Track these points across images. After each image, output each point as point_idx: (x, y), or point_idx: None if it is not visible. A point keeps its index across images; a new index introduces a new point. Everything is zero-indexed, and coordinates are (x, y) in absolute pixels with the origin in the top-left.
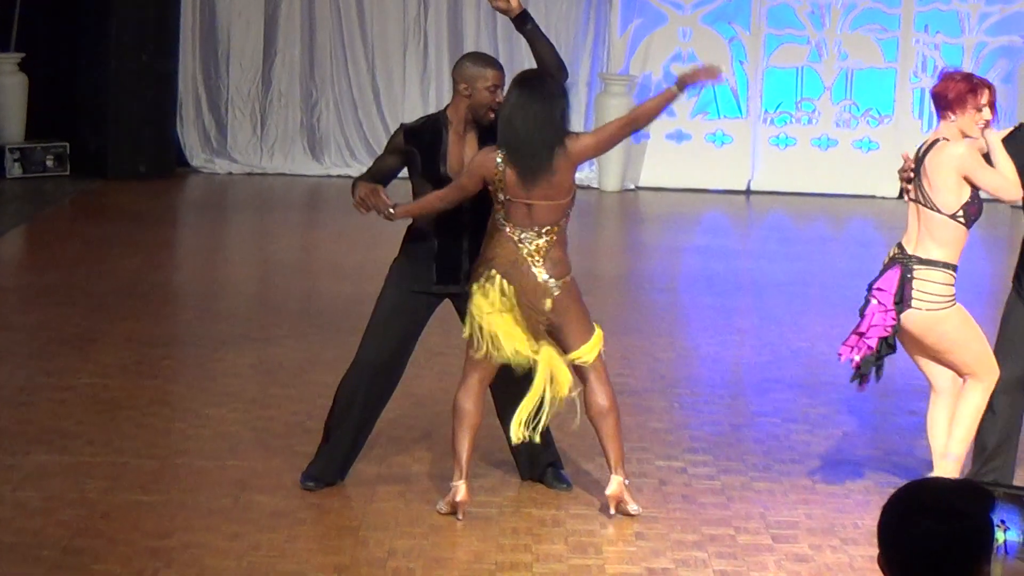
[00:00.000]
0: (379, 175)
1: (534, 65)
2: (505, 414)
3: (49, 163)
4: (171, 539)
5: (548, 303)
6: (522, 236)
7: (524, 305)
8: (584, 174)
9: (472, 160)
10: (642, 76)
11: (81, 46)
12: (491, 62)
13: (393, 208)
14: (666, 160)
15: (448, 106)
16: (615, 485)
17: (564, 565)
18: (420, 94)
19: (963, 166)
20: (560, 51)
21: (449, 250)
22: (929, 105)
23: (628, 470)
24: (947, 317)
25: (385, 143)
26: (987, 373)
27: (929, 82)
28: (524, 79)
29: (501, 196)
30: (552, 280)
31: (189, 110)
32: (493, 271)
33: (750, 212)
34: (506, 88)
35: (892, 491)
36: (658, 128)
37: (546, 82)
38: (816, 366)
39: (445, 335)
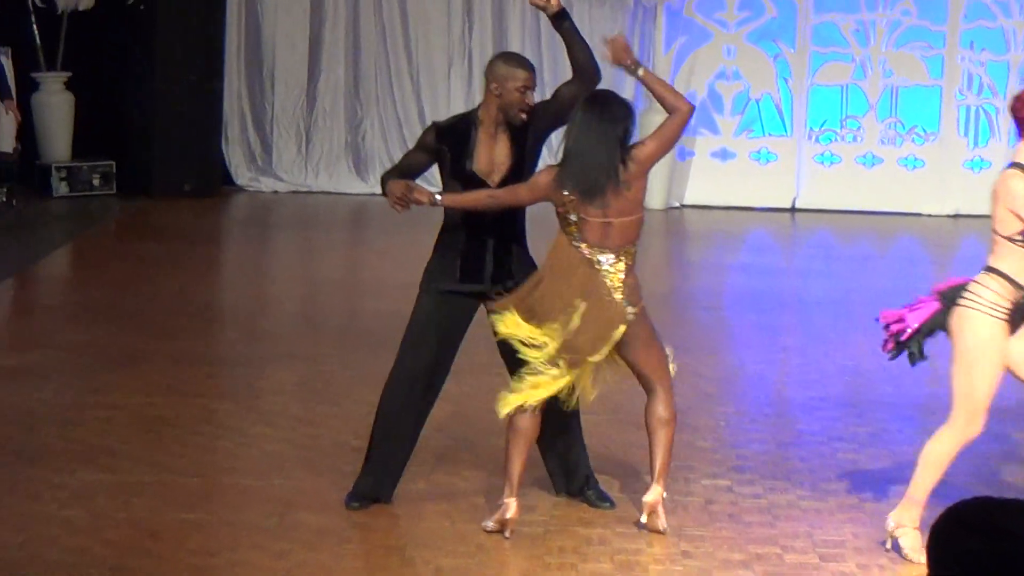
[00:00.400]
0: (407, 170)
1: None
2: (543, 434)
3: (95, 182)
4: (217, 557)
5: (620, 330)
6: (600, 258)
7: (588, 333)
8: None
9: (538, 177)
10: (687, 94)
11: (127, 65)
12: (522, 62)
13: (440, 196)
14: (711, 178)
15: (480, 105)
16: (654, 493)
17: None
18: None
19: (1015, 203)
20: (605, 69)
21: (474, 249)
22: (976, 122)
23: (674, 488)
24: (974, 320)
25: None
26: (963, 420)
27: (975, 99)
28: (590, 100)
29: (573, 216)
30: (630, 307)
31: (234, 129)
32: (578, 301)
33: (795, 230)
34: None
35: (940, 510)
36: (703, 146)
37: (611, 103)
38: (862, 384)
39: (492, 351)
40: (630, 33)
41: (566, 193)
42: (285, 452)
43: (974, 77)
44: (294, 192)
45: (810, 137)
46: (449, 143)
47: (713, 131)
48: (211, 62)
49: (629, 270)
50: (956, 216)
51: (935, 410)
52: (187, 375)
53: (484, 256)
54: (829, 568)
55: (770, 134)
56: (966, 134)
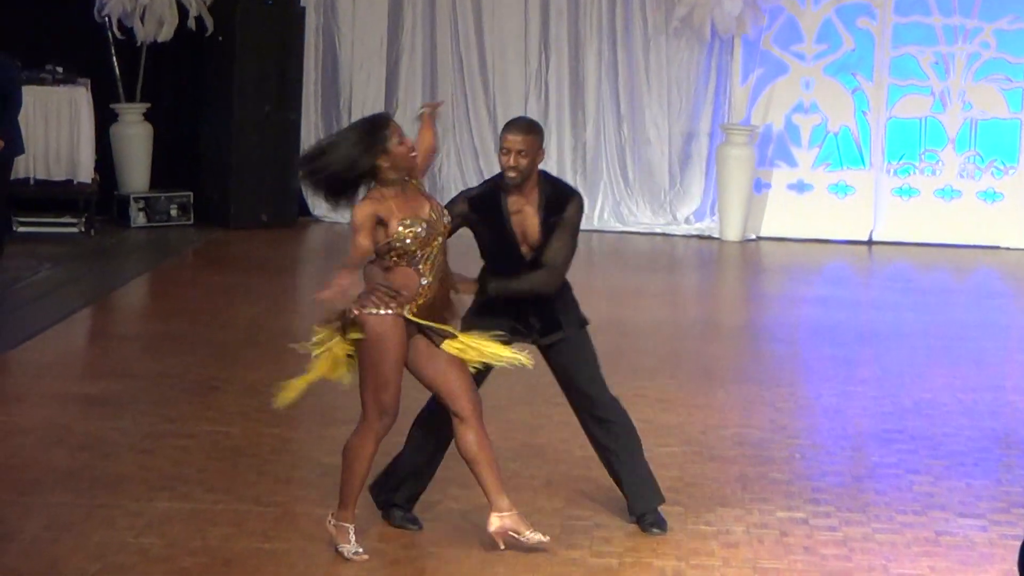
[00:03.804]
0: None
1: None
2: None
3: (173, 212)
4: None
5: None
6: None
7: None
8: (705, 223)
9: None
10: (764, 126)
11: (205, 97)
12: (511, 125)
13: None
14: (788, 210)
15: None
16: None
17: None
18: None
19: None
20: (681, 101)
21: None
22: None
23: (749, 520)
24: None
25: None
26: None
27: None
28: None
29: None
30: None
31: None
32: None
33: (872, 262)
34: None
35: (1017, 544)
36: (780, 179)
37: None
38: (939, 417)
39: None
40: (707, 66)
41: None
42: None
43: None
44: None
45: (888, 170)
46: (480, 211)
47: (790, 164)
48: (288, 93)
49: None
50: None
51: (1012, 444)
52: (262, 404)
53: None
54: None
55: (848, 167)
56: None
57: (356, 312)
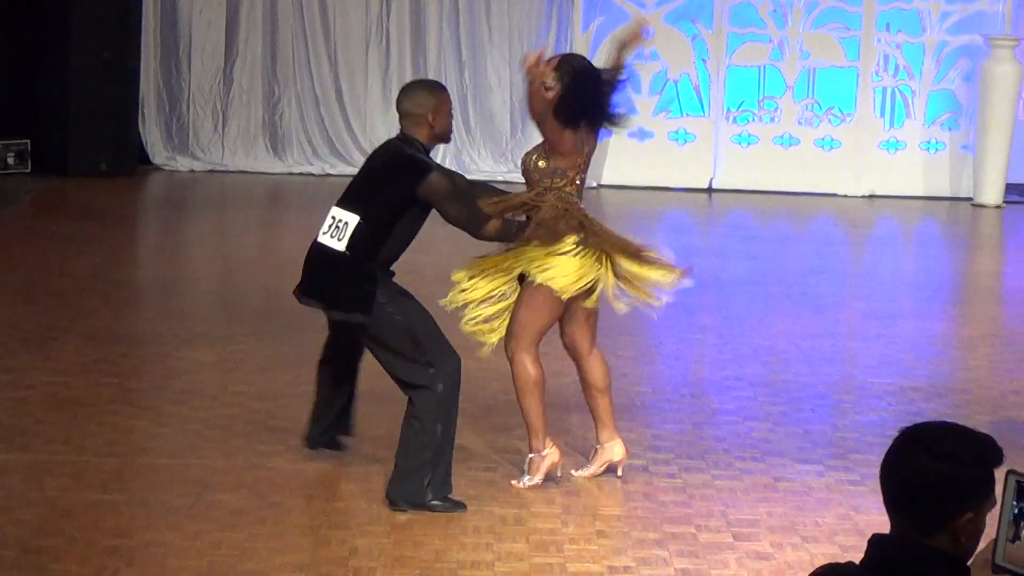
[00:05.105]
0: None
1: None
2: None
3: (10, 160)
4: (131, 538)
5: None
6: None
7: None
8: None
9: None
10: None
11: (42, 43)
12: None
13: None
14: (628, 158)
15: (414, 136)
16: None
17: (526, 563)
18: (382, 92)
19: None
20: (523, 49)
21: None
22: (891, 104)
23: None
24: None
25: (347, 142)
26: None
27: (891, 81)
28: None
29: None
30: None
31: (151, 107)
32: None
33: (712, 210)
34: None
35: (853, 490)
36: None
37: None
38: (778, 364)
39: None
40: (548, 13)
41: None
42: (200, 432)
43: (890, 59)
44: (211, 171)
45: (727, 118)
46: None
47: (630, 111)
48: (127, 40)
49: None
50: (871, 197)
51: (848, 390)
52: (102, 354)
53: None
54: (743, 547)
55: (688, 114)
56: (882, 115)
57: None
